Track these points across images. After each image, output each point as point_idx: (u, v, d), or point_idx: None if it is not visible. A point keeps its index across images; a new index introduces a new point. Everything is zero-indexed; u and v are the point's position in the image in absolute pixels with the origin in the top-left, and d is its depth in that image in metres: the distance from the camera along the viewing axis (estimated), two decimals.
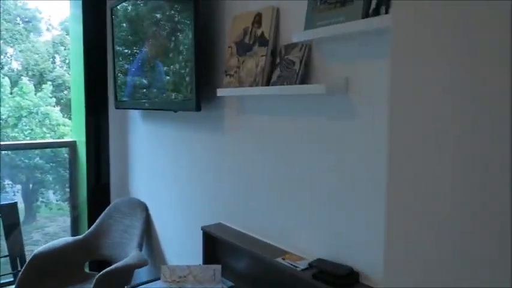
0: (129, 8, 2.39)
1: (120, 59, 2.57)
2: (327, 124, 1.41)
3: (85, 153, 2.87)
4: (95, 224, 2.66)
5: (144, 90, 2.31)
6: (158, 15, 2.13)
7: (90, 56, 2.81)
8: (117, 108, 2.69)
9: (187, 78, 1.91)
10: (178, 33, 1.98)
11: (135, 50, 2.38)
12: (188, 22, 1.87)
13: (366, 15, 1.21)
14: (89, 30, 2.80)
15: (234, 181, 1.89)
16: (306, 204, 1.52)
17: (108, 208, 2.71)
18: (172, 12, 2.03)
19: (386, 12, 1.15)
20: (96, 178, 2.93)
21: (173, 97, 2.03)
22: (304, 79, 1.44)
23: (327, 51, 1.40)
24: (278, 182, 1.64)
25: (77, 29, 2.84)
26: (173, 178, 2.35)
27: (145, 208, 2.61)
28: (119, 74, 2.61)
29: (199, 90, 1.84)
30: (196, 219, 2.13)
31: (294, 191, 1.56)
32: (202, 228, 1.90)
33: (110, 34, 2.70)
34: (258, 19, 1.63)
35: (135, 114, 2.74)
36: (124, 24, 2.49)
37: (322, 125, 1.43)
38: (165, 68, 2.10)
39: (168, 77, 2.09)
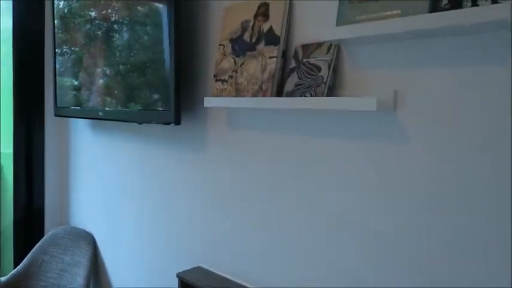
0: None
1: (63, 57, 2.07)
2: (363, 149, 1.09)
3: (12, 168, 2.30)
4: (23, 261, 2.10)
5: (98, 95, 1.84)
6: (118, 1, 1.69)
7: (22, 54, 2.25)
8: (56, 115, 2.17)
9: (162, 83, 1.49)
10: (149, 26, 1.56)
11: (86, 47, 1.90)
12: (163, 11, 1.46)
13: (433, 8, 0.91)
14: (21, 23, 2.25)
15: (218, 215, 1.50)
16: (317, 253, 1.18)
17: (42, 240, 2.17)
18: None
19: (474, 4, 0.85)
20: (27, 200, 2.36)
21: (142, 106, 1.60)
22: (331, 89, 1.11)
23: (363, 54, 1.08)
24: (277, 220, 1.28)
25: (7, 23, 2.28)
26: (137, 206, 1.89)
27: (92, 241, 2.11)
28: (61, 75, 2.09)
29: (179, 99, 1.43)
30: (170, 262, 1.70)
31: (301, 233, 1.22)
32: (178, 275, 1.48)
33: (49, 28, 2.18)
34: (263, 11, 1.27)
35: (80, 124, 2.23)
36: (69, 15, 2.00)
37: (355, 150, 1.10)
38: (129, 70, 1.66)
39: (134, 81, 1.64)
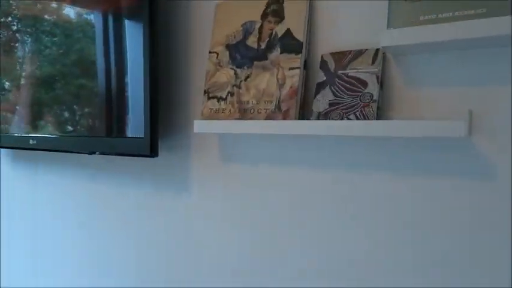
0: None
1: None
2: (428, 186, 0.85)
3: None
4: None
5: (27, 116, 1.38)
6: None
7: None
8: None
9: (133, 101, 1.12)
10: (116, 24, 1.18)
11: (16, 50, 1.44)
12: (135, 8, 1.11)
13: None
14: None
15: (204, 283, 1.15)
16: None
17: None
18: None
19: None
20: None
21: (98, 131, 1.20)
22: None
23: (421, 65, 0.86)
24: None
25: None
26: (84, 272, 1.44)
27: None
28: None
29: (155, 123, 1.08)
30: None
31: None
32: None
33: None
34: (275, 9, 0.99)
35: None
36: None
37: (421, 188, 0.86)
38: (81, 83, 1.25)
39: (87, 98, 1.24)
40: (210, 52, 1.07)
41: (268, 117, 0.95)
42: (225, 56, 1.04)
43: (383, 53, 0.87)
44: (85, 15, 1.24)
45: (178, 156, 1.20)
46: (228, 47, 1.04)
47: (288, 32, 0.96)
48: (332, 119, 0.89)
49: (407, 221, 0.87)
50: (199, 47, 1.17)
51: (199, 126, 1.03)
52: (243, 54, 1.02)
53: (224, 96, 1.02)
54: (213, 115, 1.03)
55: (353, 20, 0.94)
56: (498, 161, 0.78)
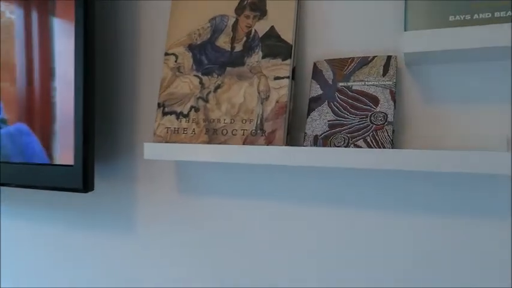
0: None
1: None
2: (451, 233, 0.67)
3: None
4: None
5: None
6: None
7: None
8: None
9: (61, 119, 0.84)
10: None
11: None
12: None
13: None
14: None
15: None
16: None
17: None
18: None
19: None
20: None
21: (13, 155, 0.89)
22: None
23: (442, 76, 0.68)
24: None
25: None
26: None
27: None
28: None
29: (89, 147, 0.80)
30: None
31: None
32: None
33: None
34: (254, 1, 0.77)
35: None
36: None
37: (450, 234, 0.68)
38: None
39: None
40: (166, 54, 0.82)
41: (248, 141, 0.72)
42: (187, 59, 0.80)
43: (395, 61, 0.68)
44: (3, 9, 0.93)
45: (121, 189, 0.93)
46: (191, 47, 0.80)
47: (272, 31, 0.74)
48: (335, 144, 0.68)
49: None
50: (152, 47, 0.91)
51: (151, 151, 0.77)
52: (211, 57, 0.78)
53: (186, 112, 0.78)
54: (171, 137, 0.78)
55: (354, 19, 0.74)
56: None
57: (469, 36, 0.59)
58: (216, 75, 0.77)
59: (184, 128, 0.77)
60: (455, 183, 0.67)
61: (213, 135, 0.75)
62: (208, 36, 0.79)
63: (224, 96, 0.75)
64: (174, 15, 0.83)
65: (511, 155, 0.55)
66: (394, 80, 0.67)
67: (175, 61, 0.81)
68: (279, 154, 0.68)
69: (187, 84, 0.79)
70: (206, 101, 0.76)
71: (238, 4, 0.78)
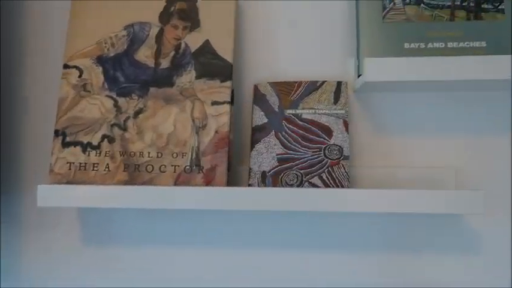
0: None
1: None
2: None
3: None
4: None
5: None
6: None
7: None
8: None
9: None
10: None
11: None
12: None
13: None
14: None
15: None
16: None
17: None
18: None
19: None
20: None
21: None
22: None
23: (394, 104, 0.64)
24: None
25: None
26: None
27: None
28: None
29: None
30: None
31: None
32: None
33: None
34: (183, 9, 0.64)
35: None
36: None
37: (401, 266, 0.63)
38: None
39: None
40: (65, 67, 0.63)
41: (181, 180, 0.59)
42: (96, 75, 0.63)
43: (345, 87, 0.62)
44: None
45: (7, 238, 0.70)
46: (100, 60, 0.63)
47: (208, 46, 0.62)
48: (286, 183, 0.59)
49: None
50: (45, 57, 0.71)
51: (46, 195, 0.58)
52: (129, 74, 0.62)
53: (96, 143, 0.61)
54: (75, 175, 0.60)
55: (300, 38, 0.67)
56: (493, 237, 0.62)
57: (424, 66, 0.55)
58: (136, 97, 0.62)
59: (94, 164, 0.60)
60: (404, 221, 0.64)
61: (134, 172, 0.60)
62: (125, 47, 0.63)
63: (148, 124, 0.61)
64: (76, 16, 0.65)
65: (482, 193, 0.52)
66: (347, 109, 0.61)
67: (79, 76, 0.63)
68: (222, 197, 0.56)
69: (97, 107, 0.62)
70: (124, 129, 0.61)
71: (164, 10, 0.64)
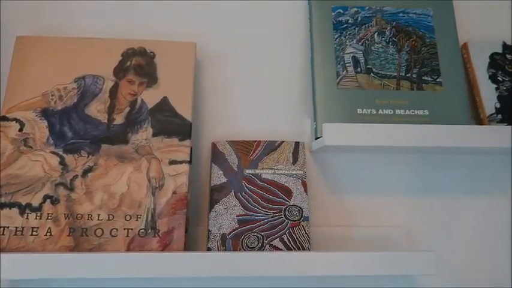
0: None
1: None
2: None
3: None
4: None
5: None
6: None
7: None
8: None
9: None
10: None
11: None
12: None
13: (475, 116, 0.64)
14: None
15: None
16: None
17: None
18: None
19: None
20: None
21: None
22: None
23: (349, 165, 0.67)
24: None
25: None
26: None
27: None
28: None
29: None
30: None
31: None
32: None
33: None
34: (141, 64, 0.62)
35: None
36: None
37: None
38: None
39: None
40: (3, 119, 0.57)
41: (135, 245, 0.54)
42: (40, 129, 0.57)
43: (302, 147, 0.64)
44: None
45: None
46: (46, 113, 0.58)
47: (166, 103, 0.61)
48: (247, 245, 0.57)
49: None
50: None
51: None
52: (78, 129, 0.58)
53: (37, 204, 0.54)
54: (10, 241, 0.53)
55: (258, 98, 0.68)
56: None
57: (376, 133, 0.59)
58: (86, 154, 0.57)
59: (33, 228, 0.54)
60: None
61: (81, 237, 0.54)
62: (75, 100, 0.59)
63: (98, 183, 0.56)
64: (20, 61, 0.60)
65: (433, 254, 0.55)
66: (305, 170, 0.62)
67: (20, 130, 0.57)
68: (180, 263, 0.52)
69: (39, 164, 0.56)
70: (70, 188, 0.56)
71: (119, 64, 0.61)
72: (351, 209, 0.65)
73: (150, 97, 0.61)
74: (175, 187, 0.57)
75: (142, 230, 0.55)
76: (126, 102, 0.60)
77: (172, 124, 0.59)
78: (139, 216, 0.56)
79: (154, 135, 0.59)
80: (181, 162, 0.58)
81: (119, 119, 0.59)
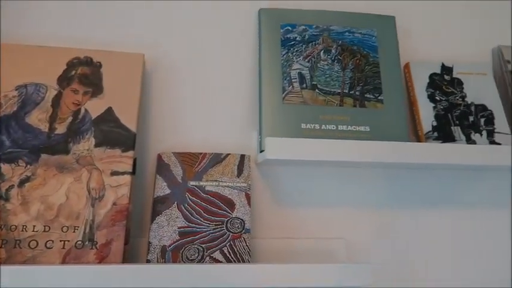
0: None
1: None
2: None
3: None
4: None
5: None
6: None
7: None
8: None
9: None
10: None
11: None
12: None
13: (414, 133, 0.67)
14: None
15: None
16: None
17: None
18: None
19: (469, 139, 0.67)
20: None
21: None
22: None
23: (292, 178, 0.68)
24: None
25: None
26: None
27: None
28: None
29: None
30: None
31: None
32: None
33: None
34: (86, 74, 0.61)
35: None
36: None
37: None
38: None
39: None
40: None
41: (70, 258, 0.53)
42: None
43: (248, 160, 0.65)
44: None
45: None
46: None
47: (110, 114, 0.60)
48: (187, 258, 0.57)
49: None
50: None
51: None
52: (17, 138, 0.57)
53: None
54: None
55: (205, 110, 0.69)
56: None
57: (320, 147, 0.61)
58: (24, 164, 0.56)
59: None
60: None
61: (14, 249, 0.53)
62: (15, 108, 0.58)
63: (35, 194, 0.55)
64: None
65: (369, 267, 0.57)
66: (249, 182, 0.63)
67: None
68: (117, 275, 0.52)
69: None
70: (6, 199, 0.54)
71: (63, 73, 0.61)
72: (294, 221, 0.67)
73: (95, 107, 0.60)
74: (116, 198, 0.57)
75: (80, 242, 0.54)
76: (69, 112, 0.59)
77: (116, 135, 0.59)
78: (76, 228, 0.55)
79: (97, 145, 0.58)
80: (123, 173, 0.58)
81: (61, 129, 0.58)
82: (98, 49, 0.64)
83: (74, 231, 0.55)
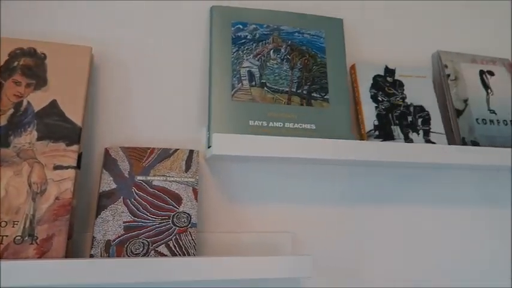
0: None
1: None
2: None
3: None
4: None
5: None
6: None
7: None
8: None
9: None
10: None
11: None
12: None
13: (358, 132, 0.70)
14: None
15: None
16: None
17: None
18: None
19: (407, 138, 0.71)
20: None
21: None
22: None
23: (241, 174, 0.70)
24: None
25: None
26: None
27: None
28: None
29: None
30: None
31: None
32: None
33: None
34: (29, 65, 0.60)
35: None
36: None
37: None
38: None
39: None
40: None
41: (9, 253, 0.52)
42: None
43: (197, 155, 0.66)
44: None
45: None
46: None
47: (54, 107, 0.59)
48: (132, 252, 0.57)
49: None
50: None
51: None
52: None
53: None
54: None
55: (154, 105, 0.69)
56: None
57: (268, 144, 0.62)
58: None
59: None
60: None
61: None
62: None
63: None
64: None
65: (310, 257, 0.59)
66: (197, 177, 0.64)
67: None
68: (57, 271, 0.51)
69: None
70: None
71: (5, 64, 0.59)
72: (242, 216, 0.68)
73: (38, 100, 0.59)
74: (58, 193, 0.56)
75: (19, 237, 0.53)
76: (10, 104, 0.58)
77: (60, 128, 0.58)
78: (16, 223, 0.54)
79: (39, 139, 0.57)
80: (67, 167, 0.57)
81: (1, 121, 0.57)
82: (43, 40, 0.62)
83: (13, 226, 0.53)
